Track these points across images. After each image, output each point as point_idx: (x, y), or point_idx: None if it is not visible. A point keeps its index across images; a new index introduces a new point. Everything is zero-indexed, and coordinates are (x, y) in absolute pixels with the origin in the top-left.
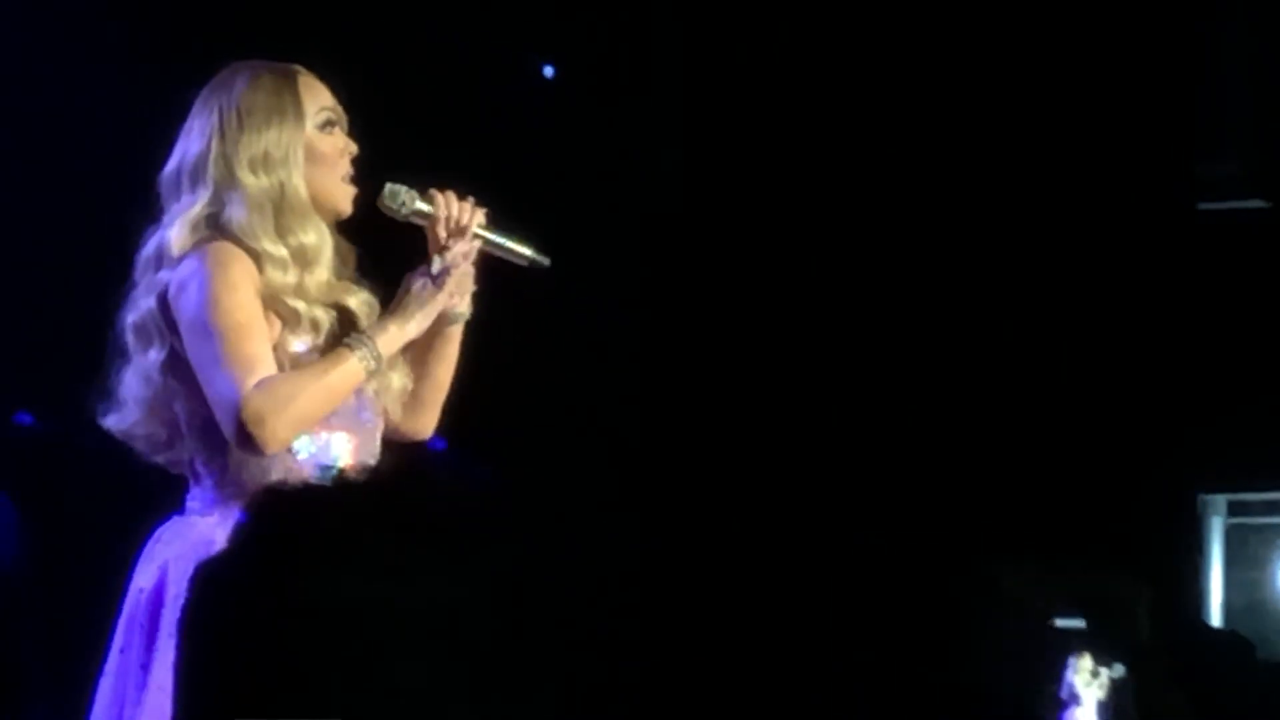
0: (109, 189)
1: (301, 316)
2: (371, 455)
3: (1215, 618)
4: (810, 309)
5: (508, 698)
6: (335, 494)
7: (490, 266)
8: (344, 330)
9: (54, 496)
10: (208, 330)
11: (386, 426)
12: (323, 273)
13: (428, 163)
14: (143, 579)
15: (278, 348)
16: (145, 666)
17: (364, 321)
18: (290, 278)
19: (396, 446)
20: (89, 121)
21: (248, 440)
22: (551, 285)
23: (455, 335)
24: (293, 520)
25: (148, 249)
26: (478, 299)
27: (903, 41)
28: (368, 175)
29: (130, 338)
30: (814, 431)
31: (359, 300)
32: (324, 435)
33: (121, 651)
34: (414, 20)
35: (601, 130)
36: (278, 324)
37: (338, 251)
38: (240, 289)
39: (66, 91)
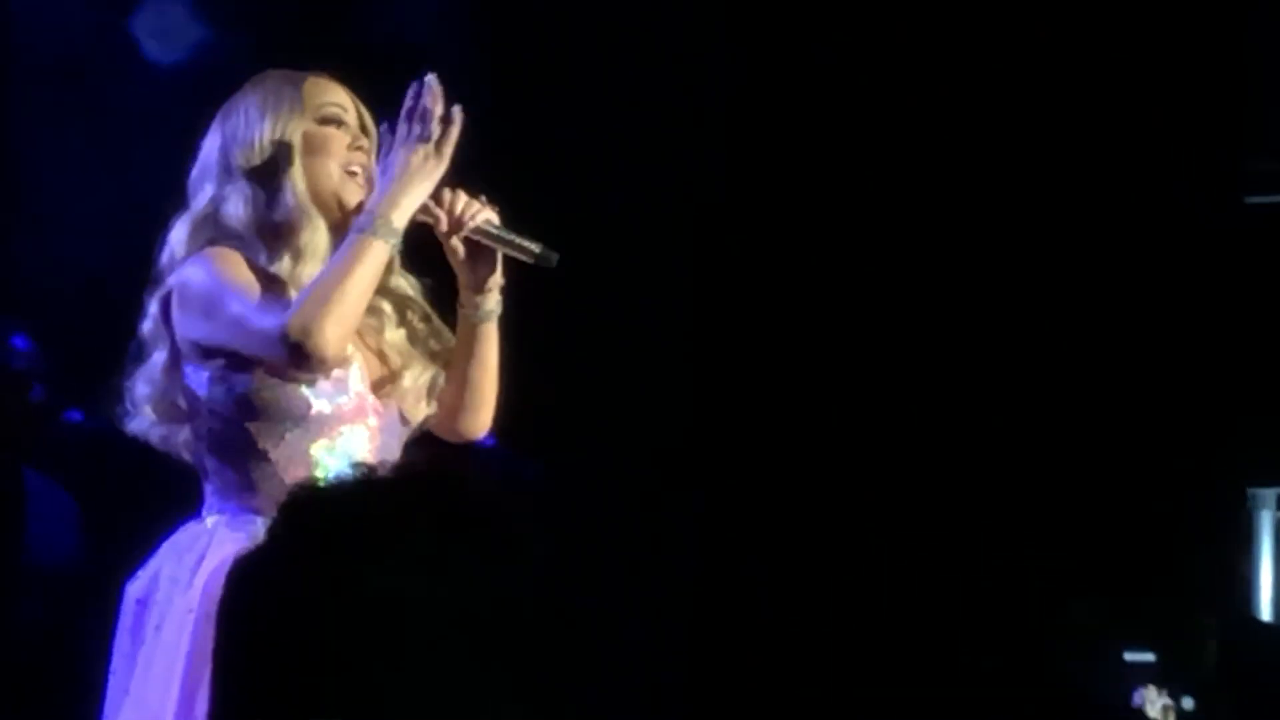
0: (166, 190)
1: None
2: (392, 456)
3: (1266, 612)
4: (849, 303)
5: (544, 693)
6: (368, 488)
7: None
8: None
9: (111, 494)
10: (224, 296)
11: (440, 426)
12: (316, 266)
13: (478, 162)
14: (136, 588)
15: None
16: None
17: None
18: (282, 269)
19: (432, 439)
20: (145, 123)
21: (304, 357)
22: (595, 278)
23: (489, 334)
24: (328, 515)
25: (161, 256)
26: (513, 295)
27: (951, 32)
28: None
29: (144, 343)
30: (861, 424)
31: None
32: (338, 437)
33: (117, 657)
34: (426, 24)
35: (644, 125)
36: None
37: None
38: (243, 272)
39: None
